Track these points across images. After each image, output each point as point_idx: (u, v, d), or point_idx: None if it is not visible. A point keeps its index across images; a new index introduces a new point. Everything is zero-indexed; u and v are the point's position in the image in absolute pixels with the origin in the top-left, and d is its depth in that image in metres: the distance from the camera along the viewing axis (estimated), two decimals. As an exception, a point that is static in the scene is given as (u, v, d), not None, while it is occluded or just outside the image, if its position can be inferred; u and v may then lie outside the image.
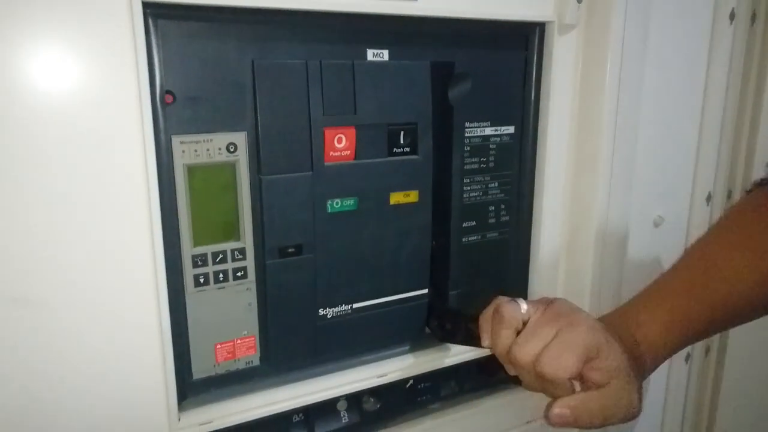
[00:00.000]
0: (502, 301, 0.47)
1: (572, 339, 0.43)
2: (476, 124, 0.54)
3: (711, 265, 0.50)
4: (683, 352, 0.75)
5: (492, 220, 0.57)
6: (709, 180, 0.70)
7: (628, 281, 0.64)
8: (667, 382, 0.74)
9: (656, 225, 0.66)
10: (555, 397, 0.44)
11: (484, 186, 0.56)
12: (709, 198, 0.70)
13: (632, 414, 0.45)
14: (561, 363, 0.42)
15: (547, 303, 0.46)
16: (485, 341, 0.47)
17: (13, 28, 0.35)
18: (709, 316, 0.49)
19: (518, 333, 0.45)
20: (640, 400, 0.45)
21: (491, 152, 0.55)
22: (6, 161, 0.36)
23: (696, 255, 0.52)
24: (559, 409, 0.43)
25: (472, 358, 0.57)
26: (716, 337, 0.79)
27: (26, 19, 0.35)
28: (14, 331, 0.38)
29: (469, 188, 0.55)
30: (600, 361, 0.43)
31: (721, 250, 0.51)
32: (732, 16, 0.65)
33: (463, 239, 0.56)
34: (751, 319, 0.51)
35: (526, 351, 0.43)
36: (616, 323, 0.47)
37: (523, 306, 0.46)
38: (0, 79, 0.35)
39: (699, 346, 0.78)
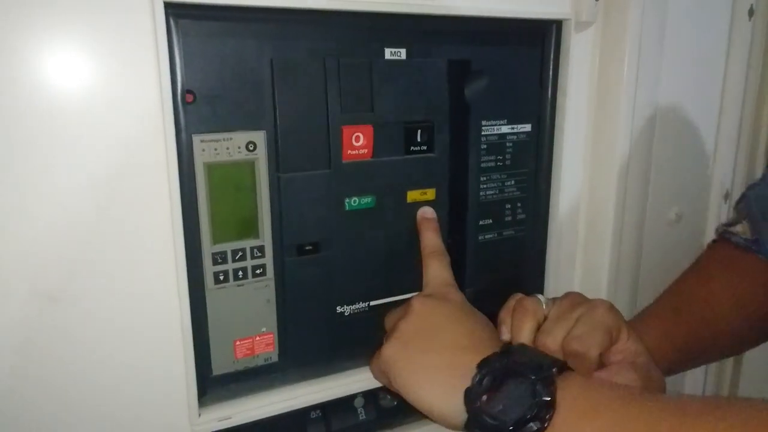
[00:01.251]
0: (522, 296, 0.48)
1: (595, 320, 0.44)
2: (493, 122, 0.54)
3: (692, 296, 0.56)
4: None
5: (508, 218, 0.57)
6: (727, 177, 0.69)
7: (645, 279, 0.64)
8: (683, 386, 0.74)
9: (673, 222, 0.66)
10: None
11: (500, 184, 0.56)
12: (727, 195, 0.70)
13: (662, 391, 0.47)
14: (591, 339, 0.43)
15: (561, 297, 0.47)
16: (505, 334, 0.47)
17: (36, 27, 0.35)
18: (692, 338, 0.53)
19: (539, 326, 0.46)
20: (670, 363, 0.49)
21: (508, 150, 0.55)
22: (29, 160, 0.36)
23: (678, 290, 0.57)
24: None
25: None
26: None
27: (48, 19, 0.35)
28: (40, 326, 0.39)
29: (485, 186, 0.55)
30: (621, 342, 0.45)
31: (700, 286, 0.56)
32: (751, 12, 0.65)
33: (480, 237, 0.56)
34: (735, 348, 0.58)
35: (553, 337, 0.44)
36: None
37: (543, 300, 0.47)
38: (24, 78, 0.35)
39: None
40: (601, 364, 0.44)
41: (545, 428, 0.35)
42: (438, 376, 0.41)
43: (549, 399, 0.35)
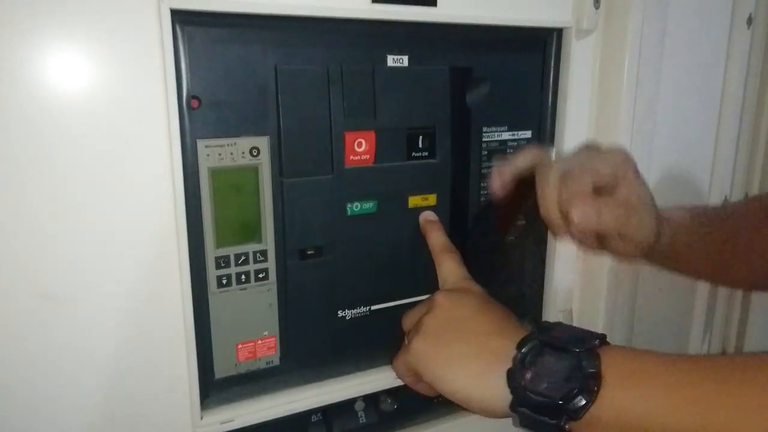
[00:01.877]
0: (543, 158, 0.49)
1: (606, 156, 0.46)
2: (494, 129, 0.54)
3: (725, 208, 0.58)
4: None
5: (509, 223, 0.57)
6: (726, 183, 0.70)
7: (644, 282, 0.64)
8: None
9: (672, 228, 0.66)
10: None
11: (501, 189, 0.56)
12: (725, 201, 0.70)
13: (648, 242, 0.47)
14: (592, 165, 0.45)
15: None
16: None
17: (44, 35, 0.36)
18: (714, 221, 0.55)
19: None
20: (659, 235, 0.48)
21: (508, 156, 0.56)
22: (36, 164, 0.37)
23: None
24: (579, 208, 0.43)
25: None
26: (732, 339, 0.79)
27: (57, 26, 0.36)
28: (43, 328, 0.39)
29: (486, 192, 0.55)
30: (629, 180, 0.46)
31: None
32: (749, 21, 0.65)
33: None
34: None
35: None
36: None
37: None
38: (30, 83, 0.36)
39: (715, 347, 0.78)
40: (608, 194, 0.45)
41: (593, 400, 0.34)
42: (473, 363, 0.40)
43: (594, 371, 0.35)
